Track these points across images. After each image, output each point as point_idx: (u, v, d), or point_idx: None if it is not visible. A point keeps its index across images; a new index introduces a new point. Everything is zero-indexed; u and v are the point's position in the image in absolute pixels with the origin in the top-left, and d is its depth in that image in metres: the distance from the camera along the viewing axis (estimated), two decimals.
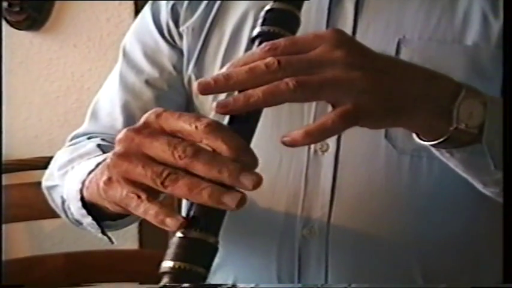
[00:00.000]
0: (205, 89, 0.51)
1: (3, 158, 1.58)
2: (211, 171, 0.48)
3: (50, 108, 1.72)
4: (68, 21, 1.68)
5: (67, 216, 0.75)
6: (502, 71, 0.72)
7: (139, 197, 0.50)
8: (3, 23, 1.66)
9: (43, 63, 1.70)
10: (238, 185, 0.48)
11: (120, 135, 0.52)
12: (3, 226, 1.33)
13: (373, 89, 0.51)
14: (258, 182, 0.48)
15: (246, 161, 0.49)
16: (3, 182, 1.39)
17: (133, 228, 1.66)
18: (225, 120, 0.52)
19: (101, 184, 0.53)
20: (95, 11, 1.67)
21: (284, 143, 0.52)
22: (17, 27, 1.68)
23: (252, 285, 0.80)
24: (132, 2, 1.65)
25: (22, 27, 1.68)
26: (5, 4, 1.65)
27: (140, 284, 1.27)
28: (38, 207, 1.17)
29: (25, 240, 1.71)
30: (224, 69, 0.52)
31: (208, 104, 0.79)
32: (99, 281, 1.30)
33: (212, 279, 0.80)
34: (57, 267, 1.34)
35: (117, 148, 0.52)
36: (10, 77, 1.66)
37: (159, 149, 0.49)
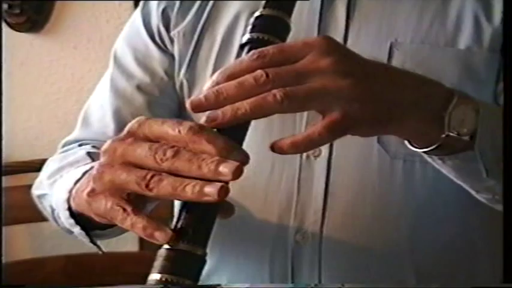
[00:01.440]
0: (198, 107, 0.51)
1: (4, 160, 1.58)
2: (191, 168, 0.47)
3: (50, 110, 1.72)
4: (68, 23, 1.69)
5: (58, 224, 0.74)
6: (502, 72, 0.72)
7: (124, 210, 0.50)
8: (4, 25, 1.66)
9: (43, 65, 1.70)
10: (219, 177, 0.47)
11: (104, 146, 0.52)
12: (4, 228, 1.33)
13: (362, 96, 0.51)
14: (237, 169, 0.47)
15: (236, 158, 0.48)
16: (4, 184, 1.39)
17: None
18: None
19: (85, 196, 0.53)
20: (95, 12, 1.67)
21: (272, 150, 0.52)
22: (18, 29, 1.68)
23: (247, 285, 0.80)
24: (131, 3, 1.65)
25: (22, 29, 1.68)
26: (5, 6, 1.65)
27: (141, 286, 1.27)
28: (39, 209, 1.17)
29: (26, 242, 1.72)
30: (214, 78, 0.52)
31: None
32: (99, 283, 1.31)
33: (205, 283, 0.80)
34: (57, 269, 1.35)
35: (102, 159, 0.52)
36: (10, 78, 1.67)
37: (142, 155, 0.49)
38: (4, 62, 1.62)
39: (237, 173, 0.47)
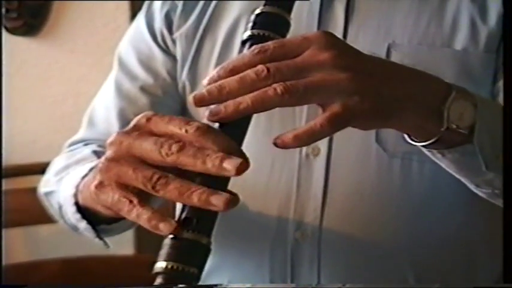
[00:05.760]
0: (201, 102, 0.52)
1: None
2: (196, 163, 0.49)
3: (47, 114, 1.72)
4: (65, 27, 1.69)
5: (65, 221, 0.75)
6: (501, 72, 0.73)
7: (131, 201, 0.51)
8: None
9: (40, 68, 1.71)
10: (223, 172, 0.48)
11: (110, 139, 0.53)
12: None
13: (361, 89, 0.51)
14: (241, 166, 0.48)
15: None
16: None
17: (129, 234, 1.67)
18: (216, 124, 0.53)
19: (93, 188, 0.53)
20: (92, 16, 1.68)
21: (275, 145, 0.52)
22: (15, 33, 1.69)
23: (248, 285, 0.80)
24: (128, 7, 1.66)
25: (19, 33, 1.69)
26: (2, 10, 1.66)
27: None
28: (35, 213, 1.17)
29: (22, 246, 1.72)
30: (214, 72, 0.53)
31: (202, 110, 0.80)
32: (95, 286, 1.31)
33: (206, 282, 0.81)
34: (53, 272, 1.35)
35: (108, 152, 0.52)
36: (7, 82, 1.67)
37: (147, 148, 0.50)
38: (1, 66, 1.62)
39: (241, 169, 0.48)
